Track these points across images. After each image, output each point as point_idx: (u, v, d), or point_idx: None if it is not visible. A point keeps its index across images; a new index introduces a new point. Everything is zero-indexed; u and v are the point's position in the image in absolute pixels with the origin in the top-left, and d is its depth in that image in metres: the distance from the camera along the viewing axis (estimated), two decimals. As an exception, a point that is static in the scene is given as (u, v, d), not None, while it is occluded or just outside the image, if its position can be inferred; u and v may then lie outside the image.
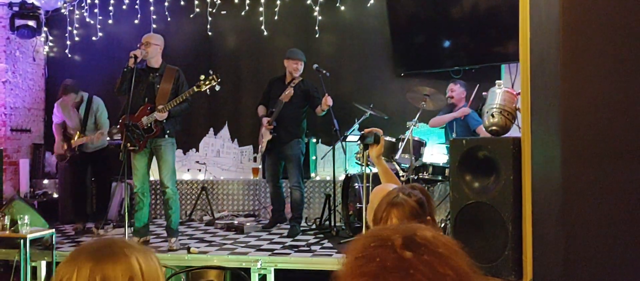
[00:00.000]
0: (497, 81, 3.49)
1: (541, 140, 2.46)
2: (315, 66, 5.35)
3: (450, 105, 5.35)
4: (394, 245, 1.02)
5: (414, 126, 4.73)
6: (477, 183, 3.35)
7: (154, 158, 4.94)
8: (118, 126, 5.18)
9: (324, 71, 5.30)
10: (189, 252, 4.50)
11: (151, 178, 5.15)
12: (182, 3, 6.73)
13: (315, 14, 6.39)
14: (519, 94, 3.30)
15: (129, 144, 4.61)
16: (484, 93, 3.60)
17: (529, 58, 2.75)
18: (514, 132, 3.53)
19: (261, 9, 6.53)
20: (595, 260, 1.94)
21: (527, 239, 3.17)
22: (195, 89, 4.68)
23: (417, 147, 4.87)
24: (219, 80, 4.67)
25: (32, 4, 6.42)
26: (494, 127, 3.35)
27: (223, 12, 6.70)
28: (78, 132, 5.70)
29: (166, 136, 4.80)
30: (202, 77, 4.68)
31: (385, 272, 1.00)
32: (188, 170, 6.90)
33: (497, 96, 3.37)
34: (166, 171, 4.80)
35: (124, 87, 4.70)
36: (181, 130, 5.13)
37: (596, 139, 1.94)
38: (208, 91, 4.72)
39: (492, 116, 3.34)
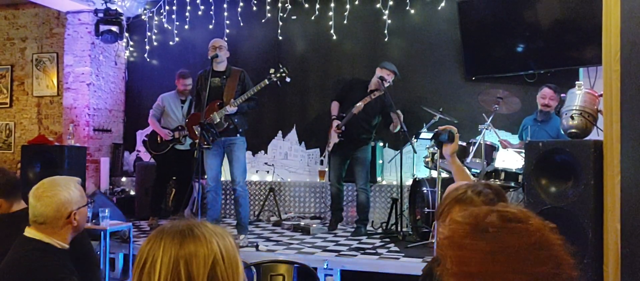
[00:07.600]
0: (577, 82, 3.36)
1: (633, 147, 2.33)
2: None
3: (544, 113, 4.82)
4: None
5: (487, 129, 4.60)
6: (553, 187, 3.24)
7: (226, 158, 5.10)
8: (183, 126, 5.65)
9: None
10: (257, 249, 4.61)
11: (221, 178, 5.30)
12: (254, 9, 6.90)
13: (385, 17, 6.37)
14: (601, 95, 3.16)
15: (204, 143, 4.78)
16: (562, 95, 3.47)
17: (620, 62, 2.62)
18: (593, 135, 3.38)
19: (331, 13, 6.59)
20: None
21: (608, 248, 3.01)
22: (266, 82, 4.87)
23: (489, 151, 4.73)
24: (289, 72, 4.88)
25: (116, 10, 6.77)
26: (573, 130, 3.22)
27: (293, 17, 6.81)
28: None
29: (238, 135, 4.95)
30: (272, 70, 4.89)
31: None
32: (257, 171, 7.05)
33: (577, 97, 3.24)
34: (237, 169, 4.96)
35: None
36: (248, 130, 5.26)
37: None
38: (279, 82, 4.89)
39: (572, 118, 3.21)
